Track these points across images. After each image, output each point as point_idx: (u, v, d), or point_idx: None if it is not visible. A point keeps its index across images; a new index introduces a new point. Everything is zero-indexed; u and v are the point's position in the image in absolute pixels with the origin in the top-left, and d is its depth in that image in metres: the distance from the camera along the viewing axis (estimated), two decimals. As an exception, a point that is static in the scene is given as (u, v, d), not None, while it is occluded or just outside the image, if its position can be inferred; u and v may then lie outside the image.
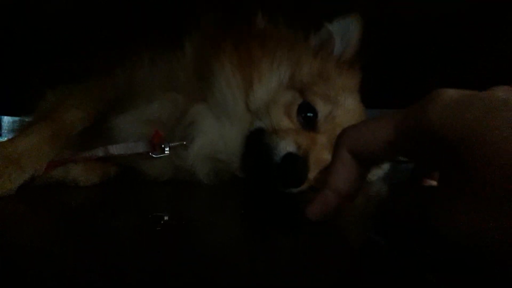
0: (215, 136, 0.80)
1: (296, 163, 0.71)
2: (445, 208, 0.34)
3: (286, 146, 0.72)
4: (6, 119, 1.44)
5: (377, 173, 0.99)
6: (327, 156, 0.72)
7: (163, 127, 0.81)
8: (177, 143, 0.80)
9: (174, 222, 0.54)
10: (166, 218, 0.56)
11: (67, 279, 0.34)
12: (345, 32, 0.87)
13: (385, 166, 1.02)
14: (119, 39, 0.91)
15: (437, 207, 0.36)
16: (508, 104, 0.32)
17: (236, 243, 0.48)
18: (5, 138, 0.77)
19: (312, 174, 0.72)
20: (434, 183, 0.51)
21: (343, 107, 0.81)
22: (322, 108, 0.79)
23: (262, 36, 0.83)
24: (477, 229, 0.31)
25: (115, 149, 0.78)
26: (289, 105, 0.79)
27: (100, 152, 0.78)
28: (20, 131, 0.78)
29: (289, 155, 0.71)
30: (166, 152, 0.79)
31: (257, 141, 0.76)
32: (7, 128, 1.41)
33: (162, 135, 0.80)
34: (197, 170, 0.80)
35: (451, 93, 0.36)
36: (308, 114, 0.79)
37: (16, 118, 0.99)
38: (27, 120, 0.87)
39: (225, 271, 0.37)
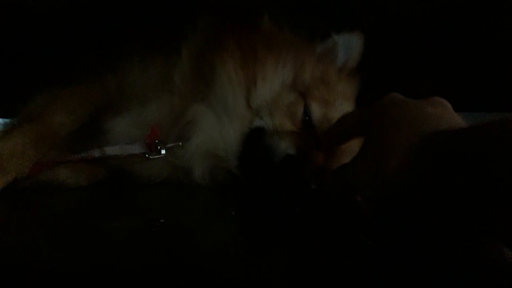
0: (214, 133, 0.80)
1: (296, 166, 0.70)
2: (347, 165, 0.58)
3: (286, 148, 0.71)
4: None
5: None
6: (321, 159, 0.73)
7: (159, 129, 0.80)
8: (173, 144, 0.79)
9: (170, 224, 0.54)
10: (162, 220, 0.55)
11: (61, 283, 0.34)
12: (348, 46, 0.91)
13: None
14: (109, 43, 0.91)
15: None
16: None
17: (232, 245, 0.49)
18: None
19: None
20: None
21: (339, 112, 0.80)
22: (316, 111, 0.79)
23: (267, 36, 0.83)
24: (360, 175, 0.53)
25: (111, 150, 0.77)
26: (292, 106, 0.79)
27: (96, 153, 0.77)
28: (4, 132, 0.75)
29: (289, 157, 0.70)
30: (162, 153, 0.79)
31: (257, 141, 0.75)
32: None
33: (159, 133, 0.79)
34: (193, 168, 0.80)
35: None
36: (306, 117, 0.79)
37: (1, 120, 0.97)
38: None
39: (222, 273, 0.38)
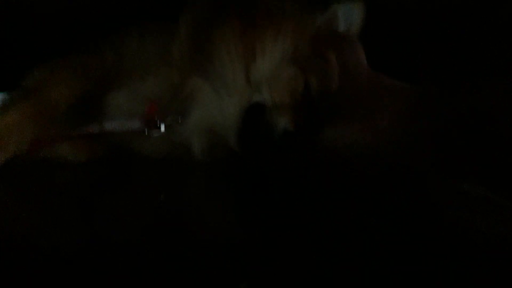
0: (213, 109, 0.79)
1: (295, 142, 0.70)
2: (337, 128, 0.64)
3: (286, 124, 0.71)
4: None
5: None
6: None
7: (158, 103, 0.80)
8: (172, 120, 0.79)
9: (171, 200, 0.55)
10: (162, 196, 0.56)
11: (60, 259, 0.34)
12: (349, 16, 0.88)
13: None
14: (108, 16, 0.91)
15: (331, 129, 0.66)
16: None
17: (231, 221, 0.50)
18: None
19: None
20: None
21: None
22: (317, 86, 0.78)
23: (267, 7, 0.81)
24: (353, 137, 0.61)
25: (110, 126, 0.77)
26: (292, 81, 0.78)
27: (95, 129, 0.77)
28: (1, 107, 0.75)
29: (288, 133, 0.71)
30: (161, 130, 0.79)
31: (256, 117, 0.75)
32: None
33: (157, 107, 0.79)
34: (192, 144, 0.80)
35: None
36: (306, 92, 0.78)
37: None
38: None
39: (220, 250, 0.38)
